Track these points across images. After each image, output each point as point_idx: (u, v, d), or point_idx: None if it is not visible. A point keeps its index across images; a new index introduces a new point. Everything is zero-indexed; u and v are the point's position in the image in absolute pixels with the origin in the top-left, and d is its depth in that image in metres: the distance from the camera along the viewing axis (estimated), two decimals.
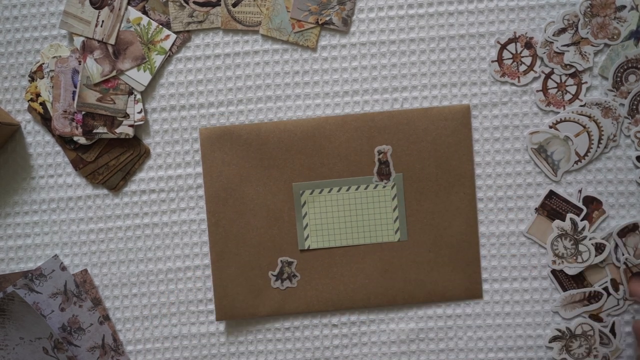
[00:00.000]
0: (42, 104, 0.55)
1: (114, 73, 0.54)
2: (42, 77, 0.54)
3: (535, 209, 0.54)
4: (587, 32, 0.52)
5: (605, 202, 0.53)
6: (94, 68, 0.54)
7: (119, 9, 0.54)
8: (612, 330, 0.53)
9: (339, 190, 0.54)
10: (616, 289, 0.53)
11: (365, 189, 0.54)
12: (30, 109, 0.55)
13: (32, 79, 0.54)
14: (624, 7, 0.52)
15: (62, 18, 0.54)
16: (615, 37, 0.52)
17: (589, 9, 0.52)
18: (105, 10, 0.54)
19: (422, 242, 0.54)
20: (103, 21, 0.54)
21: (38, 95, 0.54)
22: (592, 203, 0.53)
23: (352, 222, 0.54)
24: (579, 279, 0.53)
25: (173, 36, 0.54)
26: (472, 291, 0.54)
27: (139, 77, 0.54)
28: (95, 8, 0.54)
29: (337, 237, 0.54)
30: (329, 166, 0.54)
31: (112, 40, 0.54)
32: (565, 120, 0.53)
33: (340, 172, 0.54)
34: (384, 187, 0.54)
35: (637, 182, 0.53)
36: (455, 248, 0.54)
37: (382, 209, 0.54)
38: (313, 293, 0.54)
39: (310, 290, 0.54)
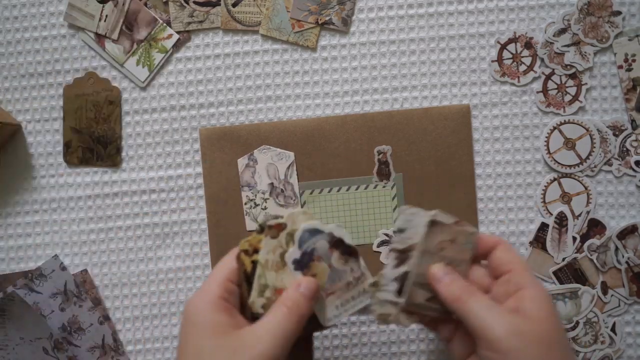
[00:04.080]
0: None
1: (135, 46, 0.54)
2: None
3: (530, 242, 0.54)
4: (579, 29, 0.52)
5: (605, 202, 0.53)
6: (116, 50, 0.54)
7: (123, 4, 0.54)
8: (613, 331, 0.53)
9: (338, 190, 0.54)
10: (605, 292, 0.53)
11: (365, 189, 0.54)
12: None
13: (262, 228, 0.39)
14: (619, 12, 0.52)
15: (66, 10, 0.54)
16: (604, 40, 0.52)
17: (585, 6, 0.52)
18: (109, 4, 0.54)
19: None
20: (107, 16, 0.54)
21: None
22: (596, 226, 0.53)
23: (352, 222, 0.54)
24: (581, 280, 0.53)
25: (176, 36, 0.54)
26: None
27: (138, 73, 0.54)
28: (100, 2, 0.54)
29: None
30: (329, 166, 0.54)
31: (114, 35, 0.54)
32: (568, 123, 0.53)
33: (340, 172, 0.54)
34: (384, 187, 0.54)
35: (637, 185, 0.53)
36: None
37: (382, 209, 0.54)
38: None
39: None
